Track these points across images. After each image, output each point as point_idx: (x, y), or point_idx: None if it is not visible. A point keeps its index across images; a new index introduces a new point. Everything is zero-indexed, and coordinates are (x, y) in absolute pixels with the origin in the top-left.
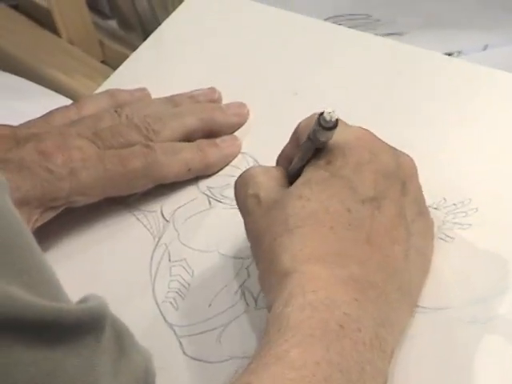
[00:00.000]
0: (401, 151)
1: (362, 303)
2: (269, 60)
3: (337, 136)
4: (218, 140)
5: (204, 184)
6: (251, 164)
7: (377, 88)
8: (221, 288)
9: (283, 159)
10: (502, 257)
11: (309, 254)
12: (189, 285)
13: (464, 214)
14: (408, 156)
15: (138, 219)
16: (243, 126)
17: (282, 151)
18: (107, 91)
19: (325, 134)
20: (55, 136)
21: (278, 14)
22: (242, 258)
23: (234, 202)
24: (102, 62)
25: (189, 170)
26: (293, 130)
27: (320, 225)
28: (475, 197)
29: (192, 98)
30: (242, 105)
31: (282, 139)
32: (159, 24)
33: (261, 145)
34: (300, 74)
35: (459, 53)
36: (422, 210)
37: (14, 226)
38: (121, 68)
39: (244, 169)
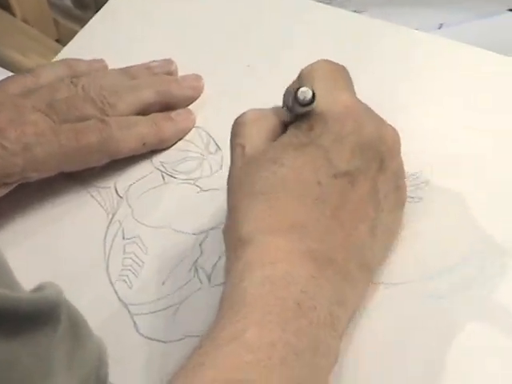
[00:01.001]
0: (387, 123)
1: (319, 280)
2: (224, 32)
3: (323, 102)
4: (172, 114)
5: (157, 159)
6: (205, 139)
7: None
8: (174, 265)
9: (288, 97)
10: (454, 231)
11: (270, 224)
12: (143, 262)
13: (414, 188)
14: (393, 129)
15: (92, 196)
16: (198, 100)
17: (287, 89)
18: (64, 60)
19: (301, 109)
20: (9, 109)
21: None
22: (195, 234)
23: (190, 176)
24: (57, 40)
25: (144, 144)
26: (247, 104)
27: (287, 194)
28: (425, 169)
29: (149, 69)
30: (197, 77)
31: (236, 113)
32: None
33: (215, 119)
34: (255, 47)
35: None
36: (399, 184)
37: None
38: (70, 43)
39: (197, 143)
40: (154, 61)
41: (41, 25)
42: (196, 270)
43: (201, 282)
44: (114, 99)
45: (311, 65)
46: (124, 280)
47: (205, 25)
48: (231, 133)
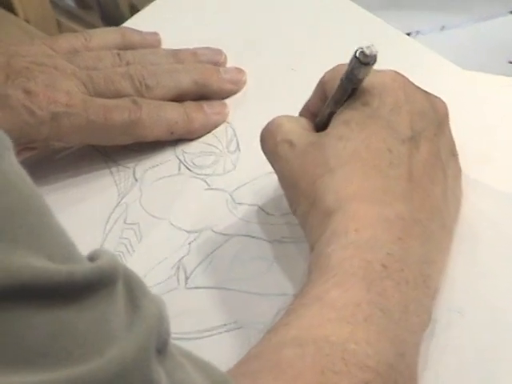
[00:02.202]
0: (433, 94)
1: (406, 241)
2: (270, 33)
3: (371, 78)
4: (205, 105)
5: (181, 147)
6: (229, 136)
7: None
8: (161, 260)
9: (306, 112)
10: None
11: (353, 192)
12: (134, 251)
13: None
14: (440, 99)
15: (111, 172)
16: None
17: (305, 105)
18: (119, 28)
19: (363, 71)
20: (48, 72)
21: None
22: (188, 231)
23: (203, 172)
24: None
25: (171, 133)
26: (285, 107)
27: (363, 163)
28: None
29: (195, 55)
30: (240, 71)
31: (269, 116)
32: (117, 3)
33: (246, 118)
34: (299, 50)
35: (417, 33)
36: (454, 152)
37: (23, 191)
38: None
39: (221, 139)
40: (203, 47)
41: (43, 25)
42: (178, 268)
43: (178, 282)
44: (151, 81)
45: (331, 69)
46: None
47: (255, 21)
48: (264, 138)
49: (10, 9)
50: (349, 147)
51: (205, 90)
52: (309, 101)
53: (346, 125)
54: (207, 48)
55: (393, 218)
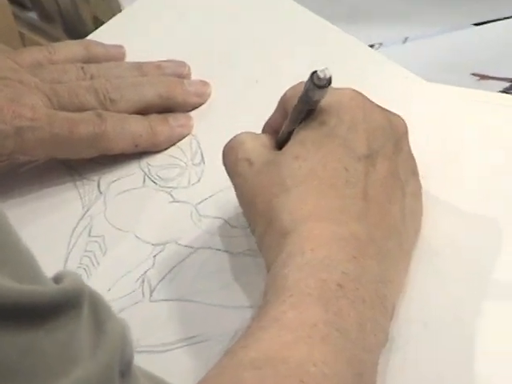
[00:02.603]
0: (392, 112)
1: (361, 260)
2: (234, 45)
3: (329, 97)
4: (170, 118)
5: (145, 160)
6: (193, 148)
7: None
8: (125, 273)
9: (269, 129)
10: None
11: (308, 212)
12: (98, 264)
13: None
14: (399, 116)
15: (75, 186)
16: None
17: (268, 122)
18: (83, 41)
19: (318, 93)
20: (12, 86)
21: None
22: (153, 244)
23: (167, 184)
24: None
25: (136, 146)
26: (249, 120)
27: (319, 182)
28: None
29: (159, 68)
30: (205, 84)
31: (234, 128)
32: (80, 16)
33: (210, 130)
34: (265, 61)
35: (380, 45)
36: (414, 169)
37: None
38: None
39: (186, 151)
40: (167, 60)
41: (6, 37)
42: (143, 281)
43: (143, 295)
44: (115, 95)
45: (293, 87)
46: None
47: (220, 33)
48: (225, 153)
49: None
50: (304, 167)
51: (169, 103)
52: (271, 117)
53: (302, 144)
54: (171, 61)
55: (348, 237)
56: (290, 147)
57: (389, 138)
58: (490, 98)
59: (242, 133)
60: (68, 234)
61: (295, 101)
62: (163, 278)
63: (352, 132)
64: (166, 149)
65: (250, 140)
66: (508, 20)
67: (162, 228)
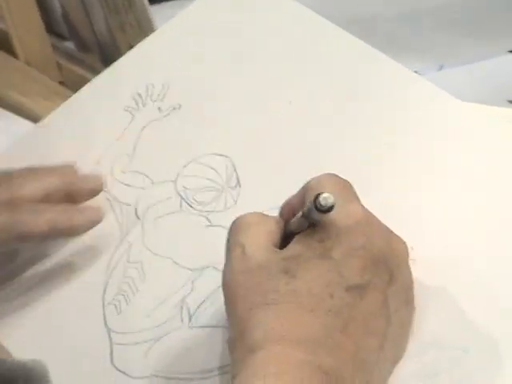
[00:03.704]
0: (396, 235)
1: None
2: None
3: (336, 214)
4: (80, 207)
5: (181, 183)
6: (229, 170)
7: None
8: (164, 299)
9: (287, 210)
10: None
11: (280, 334)
12: (137, 290)
13: None
14: (402, 240)
15: (113, 210)
16: (234, 128)
17: (287, 201)
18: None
19: (319, 215)
20: None
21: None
22: (191, 269)
23: (204, 208)
24: (60, 83)
25: (54, 229)
26: (282, 139)
27: (299, 306)
28: None
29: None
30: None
31: (269, 151)
32: (117, 46)
33: (245, 153)
34: (297, 83)
35: (415, 72)
36: (408, 298)
37: None
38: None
39: (221, 173)
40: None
41: (44, 67)
42: (182, 307)
43: (182, 321)
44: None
45: (318, 177)
46: (115, 305)
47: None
48: (229, 232)
49: (10, 51)
50: (291, 285)
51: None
52: (291, 198)
53: (295, 260)
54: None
55: (315, 370)
56: (284, 258)
57: (386, 268)
58: None
59: (251, 213)
60: (107, 260)
61: (315, 193)
62: (202, 303)
63: (347, 258)
64: (197, 171)
65: (256, 225)
66: None
67: (199, 253)
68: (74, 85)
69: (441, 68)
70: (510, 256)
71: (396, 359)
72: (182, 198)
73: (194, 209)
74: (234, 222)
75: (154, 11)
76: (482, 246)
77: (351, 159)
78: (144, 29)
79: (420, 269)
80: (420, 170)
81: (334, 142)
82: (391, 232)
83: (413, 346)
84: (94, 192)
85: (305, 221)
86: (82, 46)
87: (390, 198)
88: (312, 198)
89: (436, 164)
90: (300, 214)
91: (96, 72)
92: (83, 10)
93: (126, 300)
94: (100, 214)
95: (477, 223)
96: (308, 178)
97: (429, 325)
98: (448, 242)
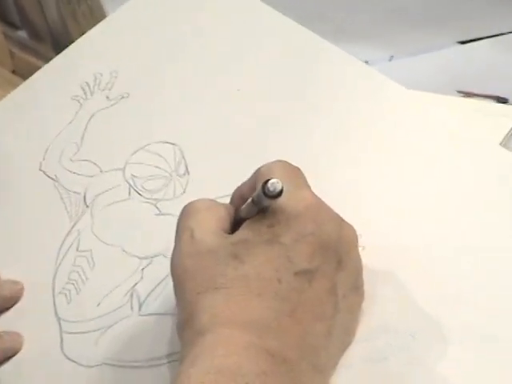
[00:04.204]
0: (345, 221)
1: (270, 377)
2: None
3: (286, 200)
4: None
5: (130, 171)
6: (177, 158)
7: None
8: (113, 287)
9: (237, 196)
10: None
11: (228, 317)
12: (87, 279)
13: None
14: (351, 227)
15: (61, 198)
16: (183, 115)
17: (238, 188)
18: None
19: (268, 201)
20: None
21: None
22: (140, 257)
23: (152, 196)
24: (13, 71)
25: None
26: (230, 126)
27: (248, 290)
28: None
29: None
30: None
31: (218, 139)
32: (69, 34)
33: (193, 141)
34: (247, 71)
35: (366, 63)
36: (357, 284)
37: None
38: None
39: (169, 161)
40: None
41: None
42: (131, 295)
43: (132, 309)
44: None
45: (268, 164)
46: (65, 294)
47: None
48: (179, 216)
49: None
50: (240, 270)
51: None
52: (242, 185)
53: (244, 245)
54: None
55: (261, 352)
56: (233, 242)
57: (334, 255)
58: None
59: (201, 200)
60: (56, 249)
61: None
62: (152, 291)
63: (296, 243)
64: (146, 159)
65: (206, 211)
66: (493, 38)
67: (149, 241)
68: (26, 74)
69: (391, 58)
70: (458, 242)
71: (345, 344)
72: (130, 185)
73: (143, 197)
74: (184, 207)
75: (107, 0)
76: (430, 233)
77: (300, 147)
78: (96, 18)
79: (369, 255)
80: (369, 158)
81: (283, 130)
82: (341, 218)
83: (362, 331)
84: (11, 300)
85: (255, 207)
86: (35, 34)
87: (340, 185)
88: (261, 184)
89: (385, 151)
90: (250, 200)
91: (48, 61)
92: None
93: (76, 289)
94: (20, 341)
95: (424, 210)
96: (257, 166)
97: (378, 310)
98: (396, 229)
